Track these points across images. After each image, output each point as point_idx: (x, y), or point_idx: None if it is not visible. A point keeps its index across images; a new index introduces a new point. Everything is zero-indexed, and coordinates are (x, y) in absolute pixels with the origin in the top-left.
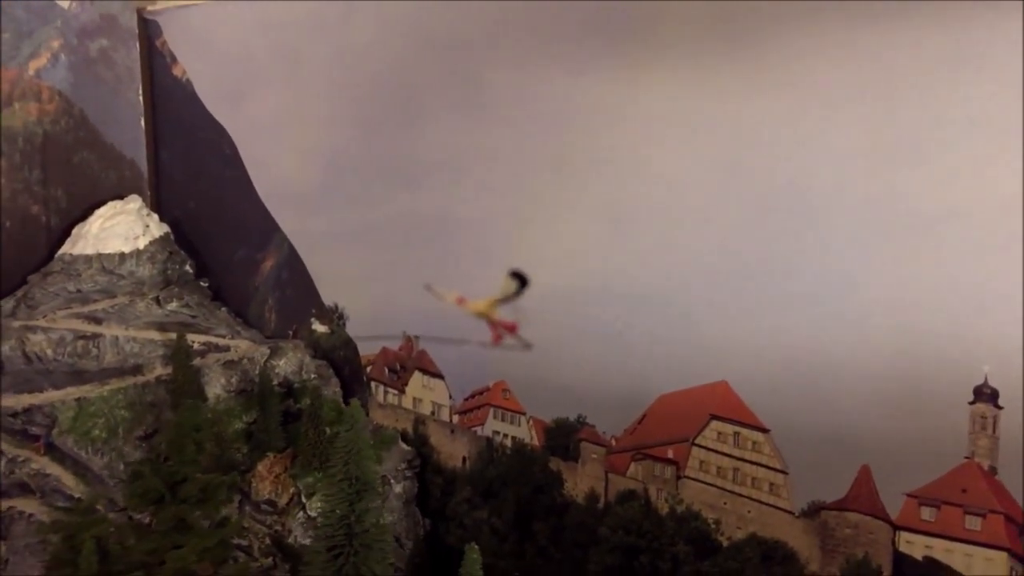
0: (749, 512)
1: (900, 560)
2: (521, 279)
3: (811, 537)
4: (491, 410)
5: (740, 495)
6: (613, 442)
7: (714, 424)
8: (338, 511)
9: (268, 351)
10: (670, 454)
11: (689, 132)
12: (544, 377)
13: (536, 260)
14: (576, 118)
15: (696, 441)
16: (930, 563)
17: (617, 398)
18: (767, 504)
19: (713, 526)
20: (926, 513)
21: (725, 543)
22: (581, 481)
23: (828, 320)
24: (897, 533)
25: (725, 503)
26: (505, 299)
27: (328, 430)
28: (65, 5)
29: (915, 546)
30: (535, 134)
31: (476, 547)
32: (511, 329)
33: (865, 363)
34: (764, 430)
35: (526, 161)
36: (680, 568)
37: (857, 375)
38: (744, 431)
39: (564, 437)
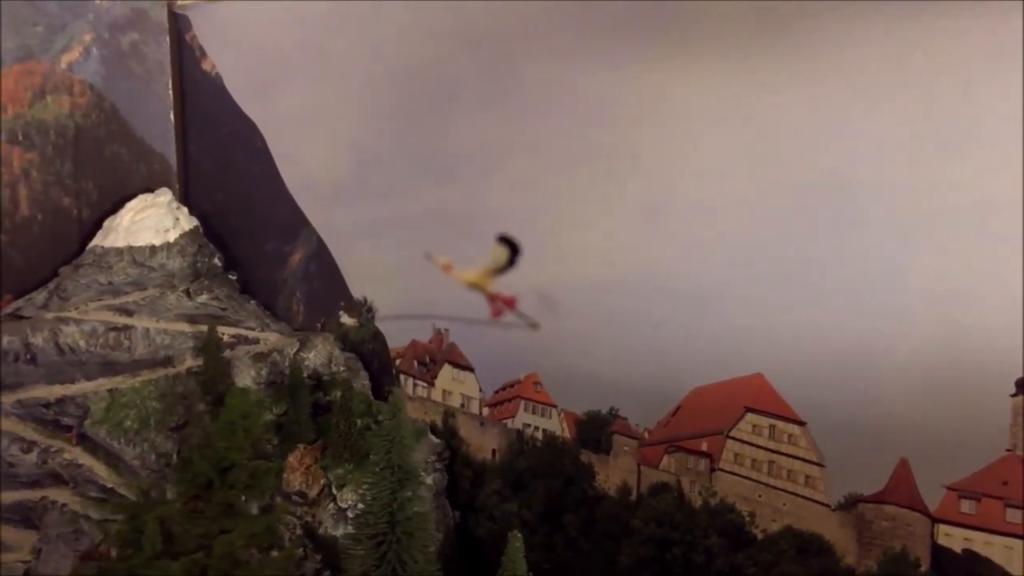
0: (784, 505)
1: (939, 553)
2: (512, 245)
3: (848, 530)
4: (522, 403)
5: (775, 488)
6: (646, 435)
7: (749, 417)
8: (381, 499)
9: (297, 343)
10: (704, 447)
11: (727, 125)
12: (576, 370)
13: (569, 253)
14: (612, 112)
15: (730, 434)
16: (969, 556)
17: (650, 391)
18: (803, 497)
19: (747, 519)
20: (966, 506)
21: (760, 536)
22: (613, 473)
23: (868, 313)
24: (936, 526)
25: (760, 496)
26: (499, 269)
27: (359, 422)
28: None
29: (954, 539)
30: (569, 128)
31: (519, 535)
32: (509, 304)
33: (905, 356)
34: (800, 423)
35: (560, 155)
36: (714, 560)
37: (897, 368)
38: (780, 424)
39: (596, 430)
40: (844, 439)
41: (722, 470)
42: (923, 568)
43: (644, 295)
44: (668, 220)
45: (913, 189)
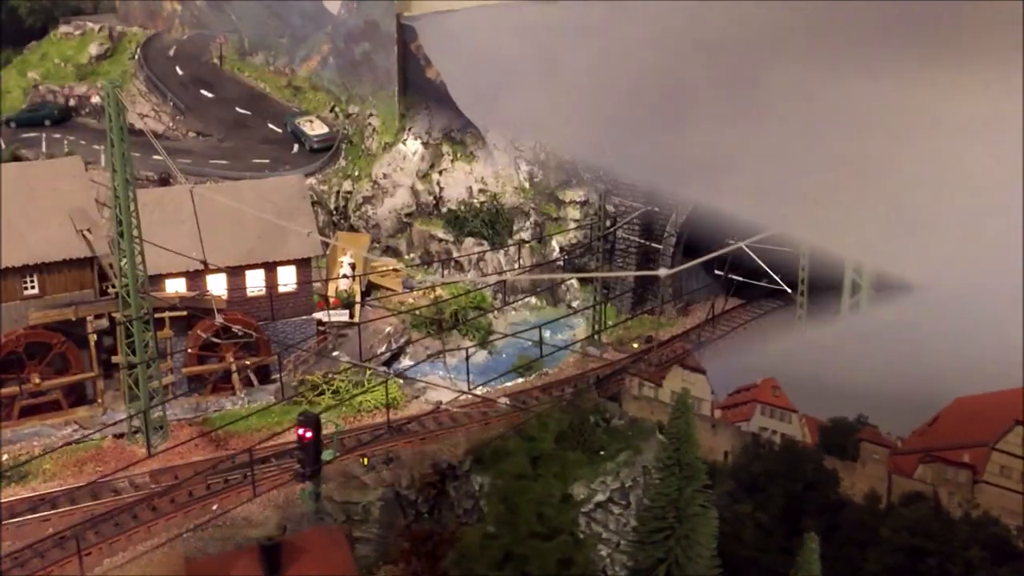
0: None
1: None
2: None
3: None
4: (758, 407)
5: None
6: (898, 443)
7: (1019, 430)
8: (668, 495)
9: None
10: (966, 458)
11: (994, 135)
12: (820, 377)
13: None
14: (866, 119)
15: (997, 446)
16: None
17: (904, 400)
18: None
19: (1014, 532)
20: None
21: None
22: (859, 481)
23: None
24: None
25: None
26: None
27: (591, 419)
28: (334, 11)
29: None
30: (812, 135)
31: (815, 536)
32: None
33: None
34: None
35: (800, 162)
36: (974, 572)
37: None
38: None
39: (841, 437)
40: None
41: (986, 482)
42: None
43: (897, 302)
44: (924, 229)
45: None
